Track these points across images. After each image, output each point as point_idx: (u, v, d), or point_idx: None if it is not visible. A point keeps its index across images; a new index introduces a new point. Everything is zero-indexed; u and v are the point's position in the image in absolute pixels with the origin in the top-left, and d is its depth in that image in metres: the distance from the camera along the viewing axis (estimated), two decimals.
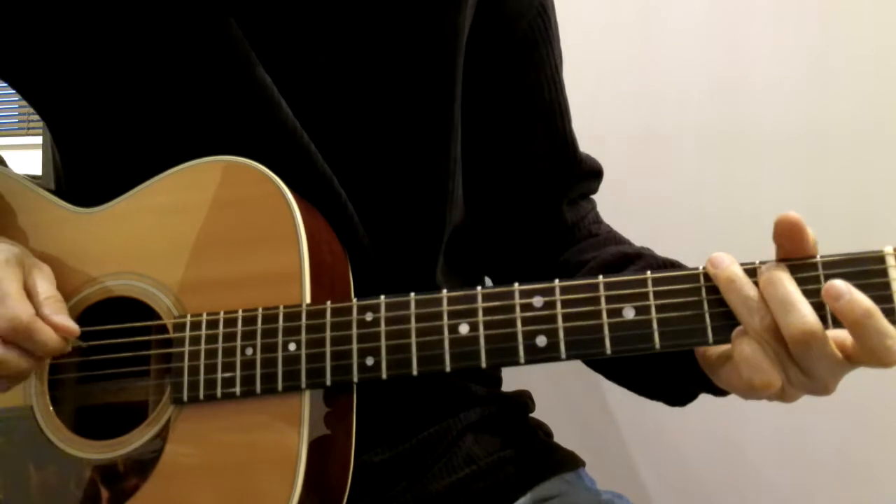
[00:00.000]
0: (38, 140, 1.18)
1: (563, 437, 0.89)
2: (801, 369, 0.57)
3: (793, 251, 0.58)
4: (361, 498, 0.72)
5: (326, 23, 0.75)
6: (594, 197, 0.91)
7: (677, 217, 1.22)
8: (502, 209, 0.84)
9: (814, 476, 1.13)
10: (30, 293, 0.66)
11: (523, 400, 0.89)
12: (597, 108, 1.20)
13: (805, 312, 0.56)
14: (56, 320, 0.66)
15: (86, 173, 0.80)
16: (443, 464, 0.79)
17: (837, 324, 0.56)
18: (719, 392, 0.68)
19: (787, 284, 0.56)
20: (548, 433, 0.89)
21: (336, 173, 0.74)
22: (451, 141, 0.78)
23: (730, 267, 0.58)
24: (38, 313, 0.65)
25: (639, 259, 0.77)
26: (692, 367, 0.67)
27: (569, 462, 0.85)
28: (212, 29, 0.73)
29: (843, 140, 1.16)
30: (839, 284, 0.55)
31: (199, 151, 0.71)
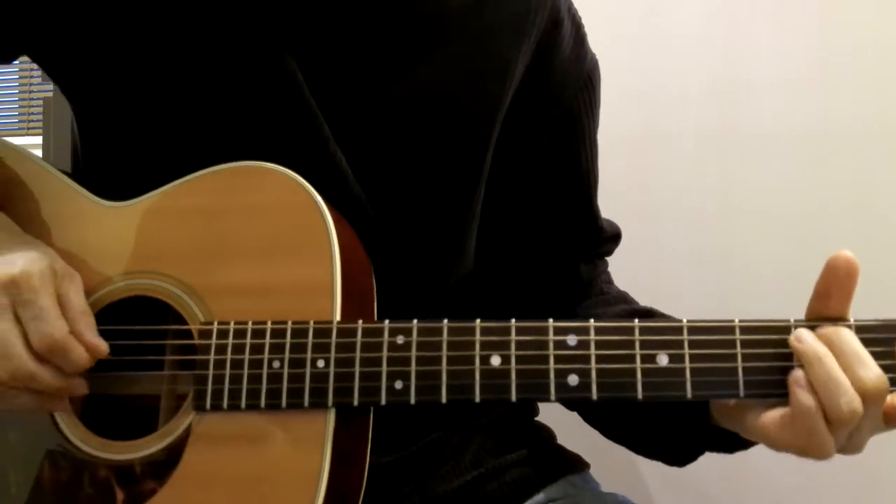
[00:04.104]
0: (39, 140, 1.16)
1: (567, 440, 0.90)
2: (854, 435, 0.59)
3: (837, 296, 0.59)
4: (369, 499, 0.73)
5: (377, 58, 0.75)
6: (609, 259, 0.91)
7: (677, 217, 1.23)
8: (517, 264, 0.85)
9: (814, 476, 1.14)
10: (63, 306, 0.65)
11: (528, 402, 0.90)
12: None
13: (874, 368, 0.57)
14: (88, 339, 0.65)
15: (110, 166, 0.78)
16: (450, 466, 0.81)
17: None
18: (727, 449, 0.70)
19: (855, 342, 0.57)
20: (551, 436, 0.90)
21: (369, 199, 0.74)
22: (474, 195, 0.78)
23: (818, 346, 0.58)
24: (72, 330, 0.65)
25: (648, 317, 0.78)
26: (701, 424, 0.68)
27: (575, 464, 0.87)
28: (259, 44, 0.72)
29: (843, 139, 1.16)
30: None
31: (231, 157, 0.71)
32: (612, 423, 0.83)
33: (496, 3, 0.78)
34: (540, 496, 0.82)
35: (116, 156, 0.77)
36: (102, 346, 0.66)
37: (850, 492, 1.14)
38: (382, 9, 0.75)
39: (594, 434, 0.86)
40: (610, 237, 0.88)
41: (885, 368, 0.57)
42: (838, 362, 0.57)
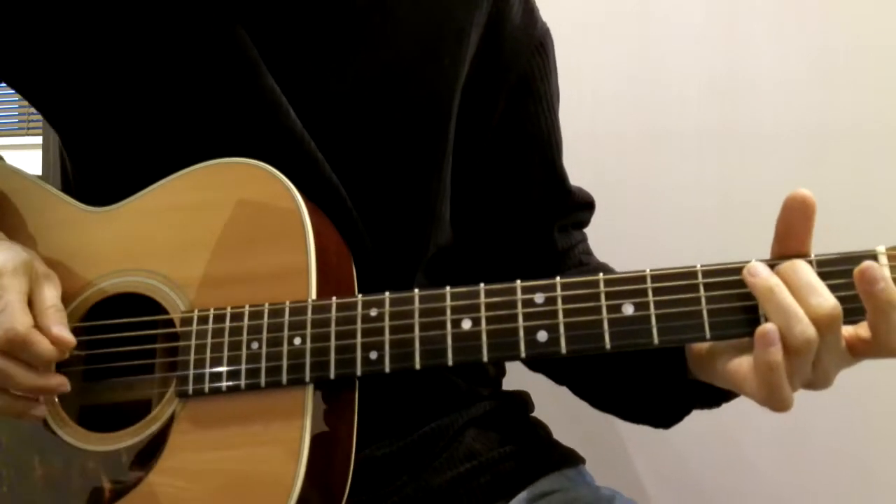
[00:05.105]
0: (38, 140, 1.18)
1: (563, 435, 0.90)
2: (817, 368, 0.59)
3: (795, 234, 0.60)
4: (363, 491, 0.73)
5: (334, 37, 0.77)
6: (586, 231, 0.92)
7: (677, 217, 1.23)
8: (493, 233, 0.86)
9: (814, 476, 1.13)
10: (33, 302, 0.67)
11: (523, 398, 0.91)
12: (597, 108, 1.21)
13: (828, 296, 0.57)
14: (53, 331, 0.66)
15: (95, 175, 0.81)
16: (444, 458, 0.81)
17: None
18: (710, 403, 0.69)
19: (809, 273, 0.58)
20: (547, 432, 0.90)
21: (340, 181, 0.76)
22: (442, 166, 0.80)
23: (770, 277, 0.59)
24: (37, 323, 0.66)
25: None
26: (679, 379, 0.69)
27: (569, 459, 0.87)
28: (220, 35, 0.75)
29: (843, 139, 1.16)
30: (876, 268, 0.56)
31: (207, 155, 0.73)
32: (594, 387, 0.83)
33: None
34: (533, 488, 0.82)
35: (95, 162, 0.80)
36: (67, 338, 0.67)
37: (850, 492, 1.12)
38: None
39: (590, 430, 0.86)
40: (582, 203, 0.89)
41: (844, 300, 0.57)
42: (793, 295, 0.57)
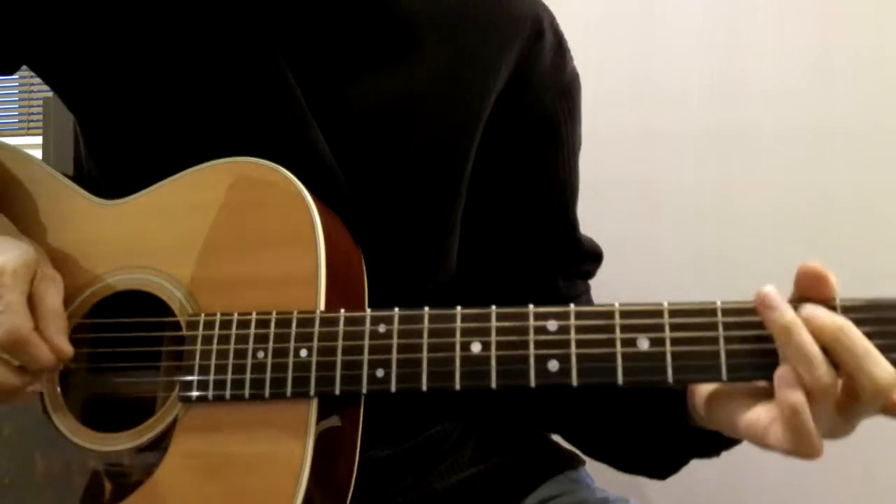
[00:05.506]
0: (38, 140, 1.17)
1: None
2: (848, 420, 0.56)
3: (814, 298, 0.57)
4: (366, 493, 0.72)
5: (362, 56, 0.76)
6: (591, 282, 0.90)
7: (677, 217, 1.23)
8: (496, 272, 0.84)
9: (814, 476, 1.14)
10: (34, 304, 0.66)
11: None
12: (597, 108, 1.19)
13: (885, 365, 0.54)
14: (53, 339, 0.66)
15: (114, 167, 0.80)
16: (449, 463, 0.81)
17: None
18: (710, 451, 0.68)
19: (862, 337, 0.55)
20: (547, 435, 0.89)
21: (353, 200, 0.75)
22: (455, 199, 0.79)
23: (787, 312, 0.56)
24: (38, 327, 0.65)
25: None
26: (680, 427, 0.67)
27: (571, 461, 0.86)
28: (253, 43, 0.74)
29: (843, 139, 1.16)
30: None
31: (223, 152, 0.72)
32: (587, 434, 0.82)
33: (481, 10, 0.79)
34: (538, 493, 0.82)
35: (114, 155, 0.79)
36: (65, 349, 0.66)
37: (850, 492, 1.12)
38: (368, 8, 0.76)
39: None
40: (589, 254, 0.87)
41: (883, 349, 0.55)
42: (844, 356, 0.54)
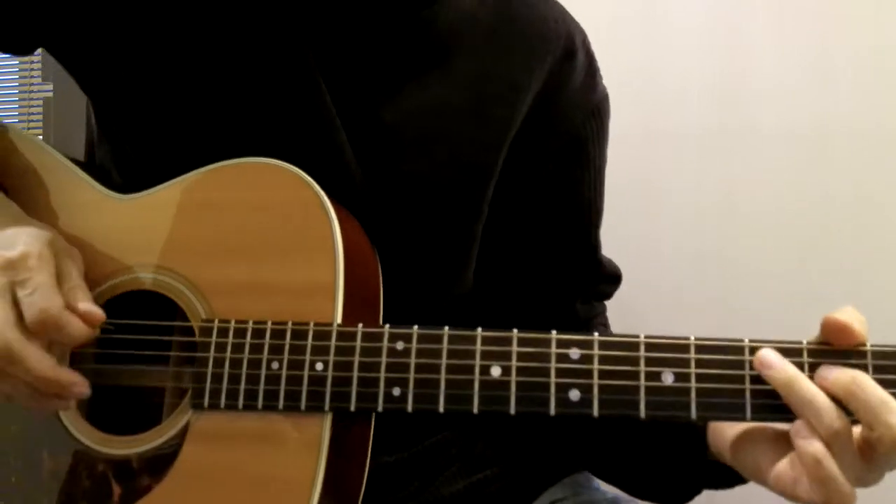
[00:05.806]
0: (39, 140, 1.17)
1: None
2: (873, 468, 0.56)
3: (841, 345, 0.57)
4: (373, 498, 0.72)
5: (395, 70, 0.75)
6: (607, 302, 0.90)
7: (678, 217, 1.23)
8: (514, 290, 0.83)
9: None
10: (61, 282, 0.65)
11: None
12: None
13: None
14: (81, 308, 0.64)
15: (132, 158, 0.78)
16: (456, 467, 0.80)
17: None
18: (726, 484, 0.67)
19: (876, 387, 0.54)
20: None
21: (376, 207, 0.74)
22: (478, 216, 0.77)
23: (784, 368, 0.56)
24: (67, 303, 0.64)
25: None
26: (699, 459, 0.66)
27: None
28: (289, 52, 0.72)
29: (843, 139, 1.16)
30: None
31: (247, 153, 0.70)
32: (604, 458, 0.81)
33: (512, 27, 0.78)
34: (546, 495, 0.82)
35: (133, 148, 0.77)
36: (97, 312, 0.65)
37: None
38: (399, 22, 0.75)
39: None
40: (609, 276, 0.87)
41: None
42: (862, 410, 0.54)
